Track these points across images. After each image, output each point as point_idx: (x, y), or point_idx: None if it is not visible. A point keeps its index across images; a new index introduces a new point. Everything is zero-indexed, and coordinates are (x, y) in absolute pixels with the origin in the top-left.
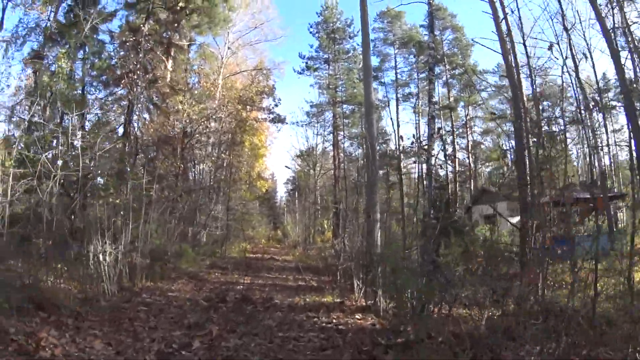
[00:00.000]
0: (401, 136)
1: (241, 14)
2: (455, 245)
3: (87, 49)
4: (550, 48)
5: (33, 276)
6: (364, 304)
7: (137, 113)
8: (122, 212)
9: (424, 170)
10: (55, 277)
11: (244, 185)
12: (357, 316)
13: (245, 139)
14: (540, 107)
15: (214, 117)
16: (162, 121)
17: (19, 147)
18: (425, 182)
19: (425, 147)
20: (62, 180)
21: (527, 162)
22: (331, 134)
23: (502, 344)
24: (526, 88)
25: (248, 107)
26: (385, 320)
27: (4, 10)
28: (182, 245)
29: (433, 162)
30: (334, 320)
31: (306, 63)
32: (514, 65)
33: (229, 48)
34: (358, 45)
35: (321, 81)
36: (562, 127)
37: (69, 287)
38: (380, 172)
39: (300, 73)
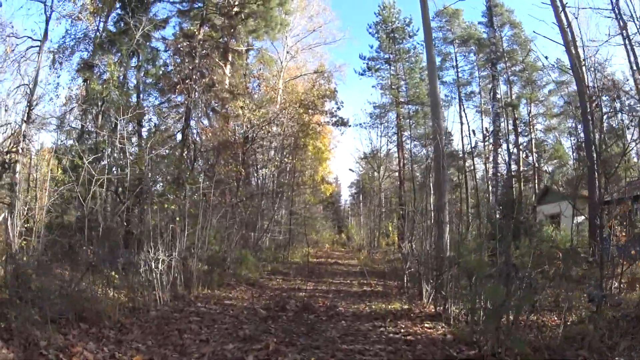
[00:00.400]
0: (473, 130)
1: (298, 17)
2: (525, 247)
3: (140, 57)
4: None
5: (76, 284)
6: (433, 310)
7: (195, 119)
8: (177, 218)
9: (490, 170)
10: (104, 286)
11: (308, 189)
12: (426, 325)
13: (308, 143)
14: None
15: (275, 121)
16: (222, 126)
17: (70, 156)
18: (491, 182)
19: (497, 141)
20: (116, 187)
21: (595, 158)
22: (395, 135)
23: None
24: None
25: (310, 110)
26: (456, 330)
27: (47, 21)
28: (243, 251)
29: (500, 160)
30: (402, 330)
31: (367, 64)
32: (576, 57)
33: (287, 52)
34: (418, 43)
35: (383, 81)
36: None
37: (117, 296)
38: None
39: (361, 74)
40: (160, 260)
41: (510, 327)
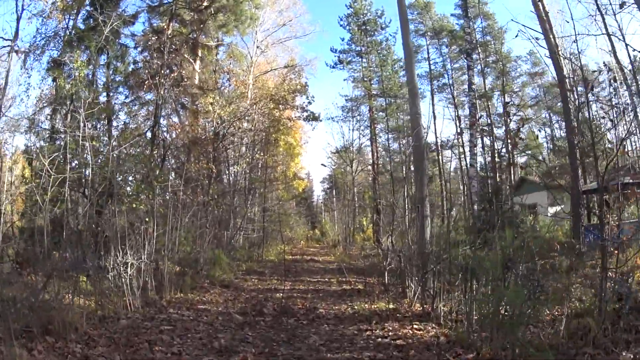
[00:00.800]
0: (458, 117)
1: (268, 11)
2: (510, 239)
3: (109, 54)
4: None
5: (40, 293)
6: (419, 309)
7: (164, 116)
8: (146, 219)
9: (467, 161)
10: (72, 293)
11: (281, 185)
12: (415, 326)
13: (279, 139)
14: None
15: (246, 117)
16: (192, 122)
17: (41, 157)
18: (467, 173)
19: (479, 129)
20: (84, 189)
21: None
22: (368, 128)
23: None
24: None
25: (281, 106)
26: (449, 330)
27: (18, 20)
28: (216, 251)
29: (476, 150)
30: (390, 333)
31: (338, 57)
32: (555, 46)
33: (258, 47)
34: (391, 35)
35: (355, 74)
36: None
37: (88, 303)
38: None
39: (333, 67)
40: (129, 264)
41: (512, 325)
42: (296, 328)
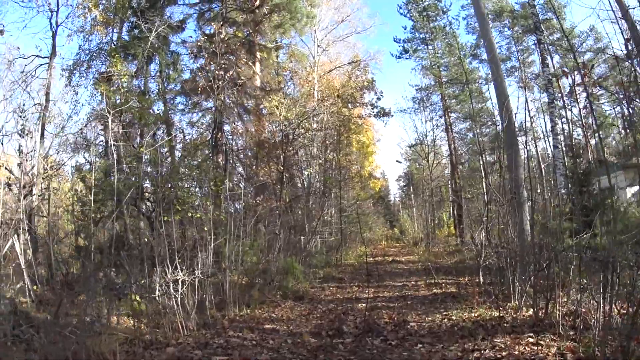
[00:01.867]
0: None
1: (325, 9)
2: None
3: (159, 62)
4: None
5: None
6: (529, 315)
7: (228, 122)
8: (205, 228)
9: (551, 142)
10: (118, 316)
11: (357, 184)
12: (530, 339)
13: (352, 139)
14: None
15: (314, 117)
16: (257, 126)
17: (96, 173)
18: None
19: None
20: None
21: None
22: (442, 117)
23: None
24: None
25: (349, 104)
26: (571, 342)
27: (54, 36)
28: (289, 259)
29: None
30: (504, 353)
31: (403, 46)
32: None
33: (319, 46)
34: (454, 18)
35: (423, 62)
36: None
37: (138, 325)
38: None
39: (398, 57)
40: (180, 281)
41: None
42: (384, 351)
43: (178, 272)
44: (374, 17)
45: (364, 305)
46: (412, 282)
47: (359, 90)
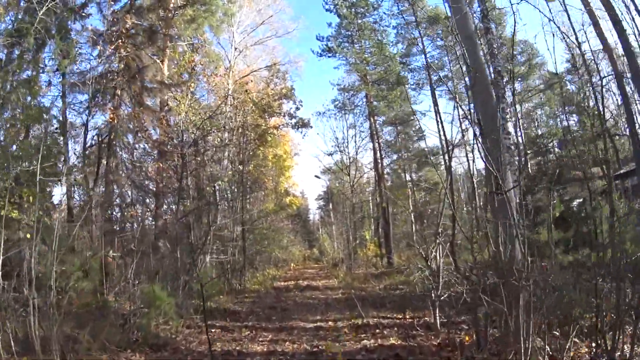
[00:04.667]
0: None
1: (246, 11)
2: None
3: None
4: None
5: None
6: None
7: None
8: None
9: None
10: None
11: (270, 196)
12: None
13: (267, 152)
14: None
15: (225, 126)
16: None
17: None
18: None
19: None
20: None
21: None
22: (366, 121)
23: None
24: None
25: (266, 114)
26: None
27: None
28: (153, 286)
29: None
30: None
31: (326, 44)
32: None
33: (235, 49)
34: (385, 14)
35: (348, 59)
36: None
37: None
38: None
39: (320, 55)
40: None
41: None
42: None
43: None
44: (297, 19)
45: None
46: (331, 323)
47: (277, 99)
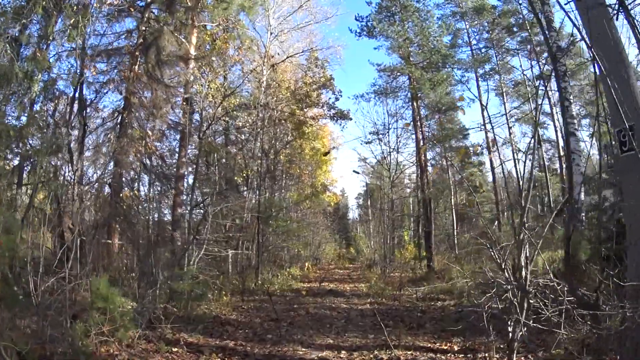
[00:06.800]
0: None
1: None
2: None
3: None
4: None
5: None
6: None
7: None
8: None
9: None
10: None
11: (306, 190)
12: None
13: (304, 145)
14: None
15: (256, 109)
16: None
17: None
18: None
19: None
20: None
21: None
22: (408, 107)
23: None
24: None
25: (303, 105)
26: None
27: None
28: (101, 280)
29: None
30: None
31: (366, 24)
32: None
33: (271, 33)
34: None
35: (390, 38)
36: None
37: None
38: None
39: (359, 35)
40: None
41: None
42: None
43: None
44: (337, 5)
45: None
46: (344, 354)
47: (316, 88)
